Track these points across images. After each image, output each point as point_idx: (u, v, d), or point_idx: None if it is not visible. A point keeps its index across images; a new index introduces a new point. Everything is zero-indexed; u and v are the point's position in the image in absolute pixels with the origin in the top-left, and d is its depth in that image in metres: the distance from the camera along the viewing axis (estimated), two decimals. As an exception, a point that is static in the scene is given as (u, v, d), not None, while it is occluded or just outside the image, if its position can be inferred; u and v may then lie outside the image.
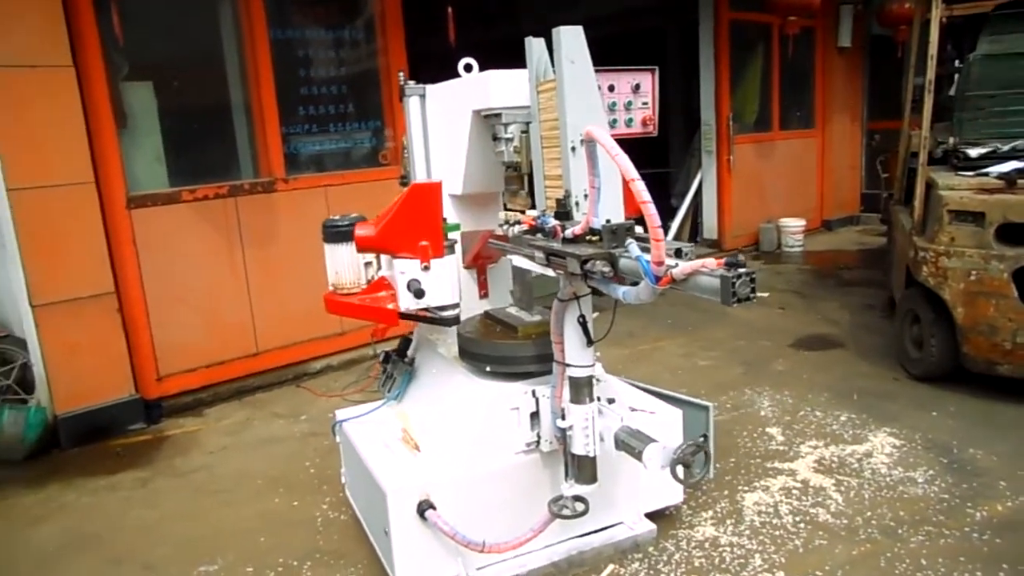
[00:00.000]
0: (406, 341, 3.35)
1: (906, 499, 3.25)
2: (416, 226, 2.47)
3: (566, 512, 2.50)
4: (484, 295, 3.20)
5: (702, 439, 3.18)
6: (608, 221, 2.05)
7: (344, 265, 2.98)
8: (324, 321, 5.32)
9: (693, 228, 9.29)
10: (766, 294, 6.95)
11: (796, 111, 9.75)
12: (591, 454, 2.42)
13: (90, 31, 4.39)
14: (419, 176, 3.11)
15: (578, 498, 2.51)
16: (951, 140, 5.13)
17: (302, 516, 3.45)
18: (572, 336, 2.34)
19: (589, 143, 1.99)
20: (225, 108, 5.25)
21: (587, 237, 2.14)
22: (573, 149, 2.25)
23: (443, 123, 2.99)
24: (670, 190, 10.12)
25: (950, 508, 3.15)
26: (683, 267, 1.79)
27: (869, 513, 3.15)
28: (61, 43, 4.23)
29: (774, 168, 9.33)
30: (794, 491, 3.37)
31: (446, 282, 2.53)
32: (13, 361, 4.72)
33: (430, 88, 3.06)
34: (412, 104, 3.08)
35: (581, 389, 2.40)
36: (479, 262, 3.10)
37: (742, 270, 1.70)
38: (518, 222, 2.45)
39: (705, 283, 1.77)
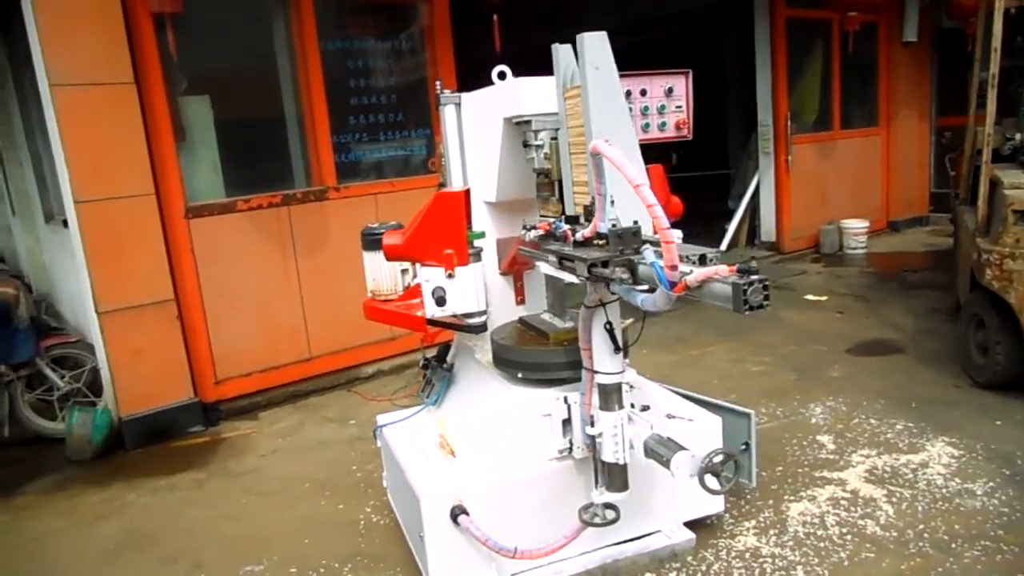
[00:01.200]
0: (446, 347, 3.39)
1: (963, 512, 3.11)
2: (440, 234, 2.50)
3: (596, 520, 2.49)
4: (521, 301, 3.21)
5: (743, 447, 3.14)
6: (614, 225, 2.03)
7: (381, 272, 3.04)
8: (375, 327, 5.33)
9: (751, 231, 9.11)
10: (824, 298, 6.76)
11: (858, 109, 9.45)
12: (621, 462, 2.40)
13: (150, 49, 4.59)
14: (455, 184, 3.15)
15: (609, 506, 2.50)
16: (1018, 136, 4.90)
17: (346, 519, 3.52)
18: (600, 343, 2.33)
19: (595, 156, 1.98)
20: (279, 119, 5.41)
21: (595, 241, 2.13)
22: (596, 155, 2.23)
23: (478, 131, 3.02)
24: (729, 193, 9.95)
25: (1010, 522, 3.00)
26: (696, 274, 1.76)
27: (921, 526, 3.03)
28: (123, 61, 4.43)
29: (835, 168, 9.07)
30: (842, 501, 3.26)
31: (470, 290, 2.55)
32: (84, 365, 4.98)
33: (465, 96, 3.09)
34: (448, 112, 3.12)
35: (610, 396, 2.38)
36: (515, 268, 3.11)
37: (754, 277, 1.66)
38: (535, 227, 2.45)
39: (718, 290, 1.74)
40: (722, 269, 1.73)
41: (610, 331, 2.25)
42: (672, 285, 1.77)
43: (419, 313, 2.69)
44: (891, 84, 9.59)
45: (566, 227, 2.28)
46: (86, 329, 4.96)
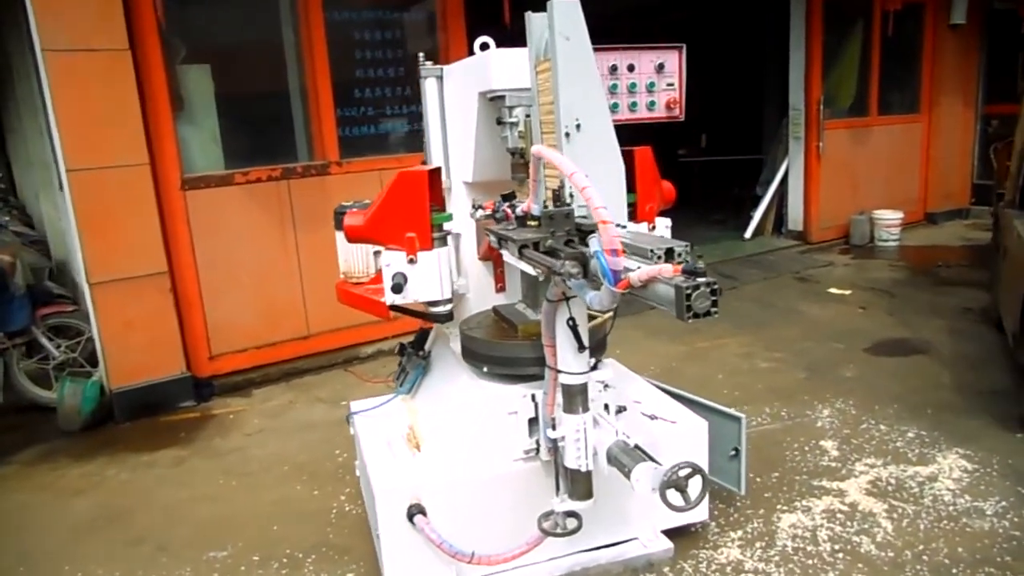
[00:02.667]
0: (424, 333, 3.23)
1: (968, 533, 2.88)
2: (402, 216, 2.33)
3: (557, 529, 2.31)
4: (501, 288, 3.03)
5: (733, 453, 2.94)
6: (546, 206, 1.84)
7: (353, 254, 2.89)
8: (375, 306, 5.30)
9: (778, 219, 8.77)
10: (848, 292, 6.46)
11: (899, 94, 9.00)
12: (583, 468, 2.22)
13: (148, 15, 4.47)
14: (434, 162, 2.97)
15: (571, 514, 2.32)
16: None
17: (318, 506, 3.40)
18: (563, 340, 2.14)
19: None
20: (282, 91, 5.27)
21: (528, 222, 1.94)
22: (567, 135, 2.04)
23: (456, 106, 2.83)
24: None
25: (1020, 547, 2.76)
26: (641, 272, 1.56)
27: (921, 546, 2.80)
28: (118, 27, 4.31)
29: (870, 156, 8.66)
30: (839, 515, 3.04)
31: (434, 276, 2.38)
32: (81, 335, 4.94)
33: (447, 69, 2.90)
34: (429, 86, 2.94)
35: (574, 398, 2.20)
36: (495, 254, 2.92)
37: (701, 280, 1.45)
38: (481, 206, 2.27)
39: (662, 292, 1.54)
40: (666, 268, 1.52)
41: (573, 328, 2.06)
42: (617, 279, 1.57)
43: (383, 299, 2.53)
44: (935, 68, 9.10)
45: (505, 206, 2.09)
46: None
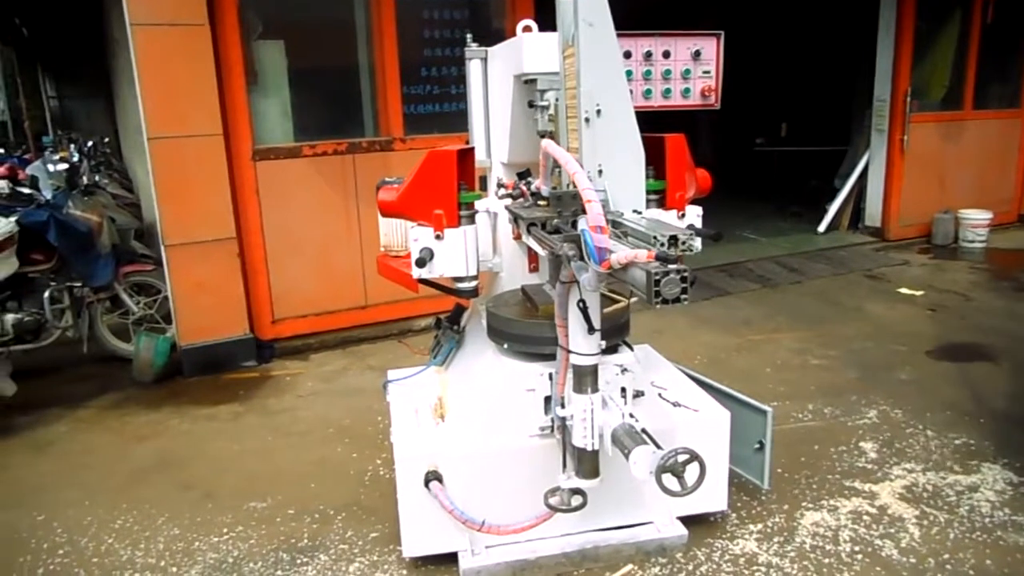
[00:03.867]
0: (460, 309, 3.32)
1: (1001, 546, 2.78)
2: (431, 193, 2.41)
3: (561, 506, 2.37)
4: (534, 268, 3.07)
5: (758, 446, 2.93)
6: (554, 188, 1.88)
7: (392, 228, 2.99)
8: (431, 280, 5.44)
9: (855, 214, 8.45)
10: (920, 292, 6.20)
11: (998, 87, 8.49)
12: (589, 447, 2.27)
13: (227, -9, 4.69)
14: (477, 142, 3.04)
15: (576, 491, 2.38)
16: None
17: (355, 468, 3.57)
18: (574, 321, 2.19)
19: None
20: (351, 67, 5.43)
21: (538, 201, 1.98)
22: (587, 120, 2.07)
23: (497, 87, 2.88)
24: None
25: (1054, 567, 2.66)
26: (620, 254, 1.58)
27: (947, 555, 2.73)
28: (199, 3, 4.55)
29: (960, 152, 8.22)
30: (865, 517, 2.99)
31: (459, 253, 2.46)
32: (160, 293, 5.28)
33: (492, 51, 2.95)
34: (474, 67, 3.00)
35: (583, 378, 2.24)
36: (529, 234, 2.98)
37: (672, 267, 1.47)
38: (504, 185, 2.32)
39: (637, 276, 1.56)
40: (641, 254, 1.55)
41: (583, 310, 2.10)
42: (600, 259, 1.61)
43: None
44: (1040, 61, 8.54)
45: (522, 184, 2.14)
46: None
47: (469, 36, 3.08)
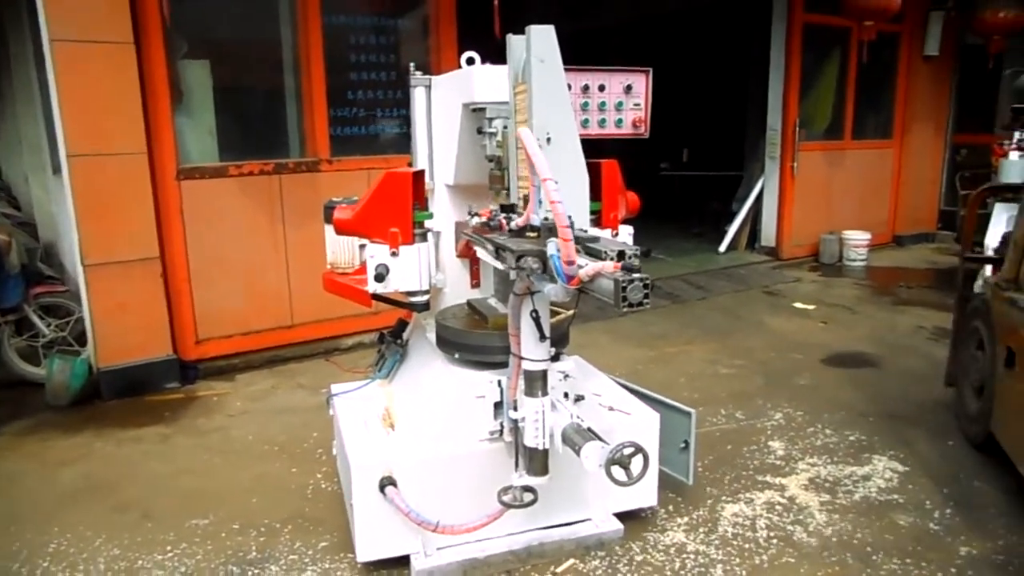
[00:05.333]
0: (402, 324, 3.46)
1: (891, 526, 3.15)
2: (387, 212, 2.56)
3: (515, 502, 2.55)
4: (476, 284, 3.26)
5: (683, 445, 3.20)
6: (546, 219, 2.08)
7: (340, 245, 3.11)
8: (358, 299, 5.52)
9: (752, 235, 9.08)
10: (812, 307, 6.76)
11: (873, 120, 9.36)
12: (540, 447, 2.46)
13: (152, 11, 4.66)
14: (419, 164, 3.20)
15: (528, 489, 2.56)
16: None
17: (296, 483, 3.62)
18: (527, 330, 2.39)
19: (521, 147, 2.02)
20: (277, 88, 5.48)
21: (527, 232, 2.18)
22: (539, 147, 2.28)
23: (442, 115, 3.07)
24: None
25: (935, 540, 3.04)
26: (587, 269, 1.81)
27: (847, 536, 3.07)
28: (123, 21, 4.51)
29: (843, 178, 9.00)
30: (777, 506, 3.31)
31: (413, 268, 2.61)
32: (71, 314, 5.12)
33: (435, 79, 3.14)
34: (418, 94, 3.17)
35: (534, 383, 2.44)
36: (471, 252, 3.16)
37: (636, 275, 1.70)
38: (477, 214, 2.50)
39: (604, 286, 1.78)
40: (608, 266, 1.77)
41: (536, 319, 2.30)
42: (569, 279, 1.82)
43: (366, 288, 2.76)
44: (908, 97, 9.48)
45: (502, 216, 2.33)
46: (77, 280, 5.08)
47: (412, 65, 3.25)
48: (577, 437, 2.32)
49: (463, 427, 2.77)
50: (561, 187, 2.19)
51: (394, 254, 2.58)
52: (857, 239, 8.59)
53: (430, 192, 3.26)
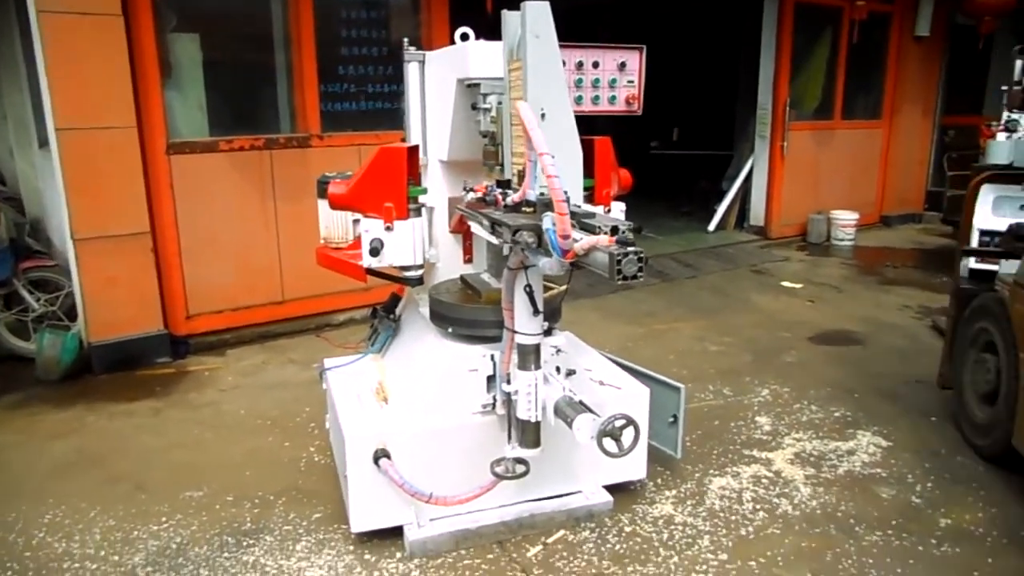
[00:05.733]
0: (395, 299, 3.48)
1: (874, 498, 3.22)
2: (382, 187, 2.57)
3: (507, 473, 2.60)
4: (468, 260, 3.29)
5: (672, 420, 3.25)
6: (542, 193, 2.10)
7: (334, 220, 3.11)
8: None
9: (741, 214, 9.13)
10: (799, 286, 6.82)
11: (862, 100, 9.38)
12: (533, 419, 2.50)
13: (141, -19, 4.61)
14: (413, 140, 3.21)
15: (520, 460, 2.60)
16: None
17: (289, 456, 3.65)
18: (520, 304, 2.41)
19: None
20: (268, 63, 5.44)
21: (522, 208, 2.20)
22: (532, 122, 2.29)
23: (437, 90, 3.07)
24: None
25: (916, 513, 3.11)
26: (582, 243, 1.83)
27: (831, 509, 3.14)
28: (112, -9, 4.47)
29: (832, 158, 9.04)
30: (763, 480, 3.37)
31: (407, 243, 2.63)
32: (61, 289, 5.10)
33: (429, 55, 3.13)
34: (412, 70, 3.17)
35: (527, 356, 2.48)
36: (464, 227, 3.19)
37: (630, 248, 1.73)
38: (472, 189, 2.52)
39: (599, 259, 1.81)
40: (603, 239, 1.80)
41: (530, 294, 2.33)
42: (564, 252, 1.84)
43: (360, 262, 2.77)
44: (899, 78, 9.50)
45: (497, 192, 2.35)
46: (67, 254, 5.06)
47: (406, 40, 3.24)
48: (569, 410, 2.36)
49: (456, 400, 2.81)
50: (556, 163, 2.22)
51: (388, 228, 2.59)
52: (845, 219, 8.65)
53: (424, 168, 3.26)
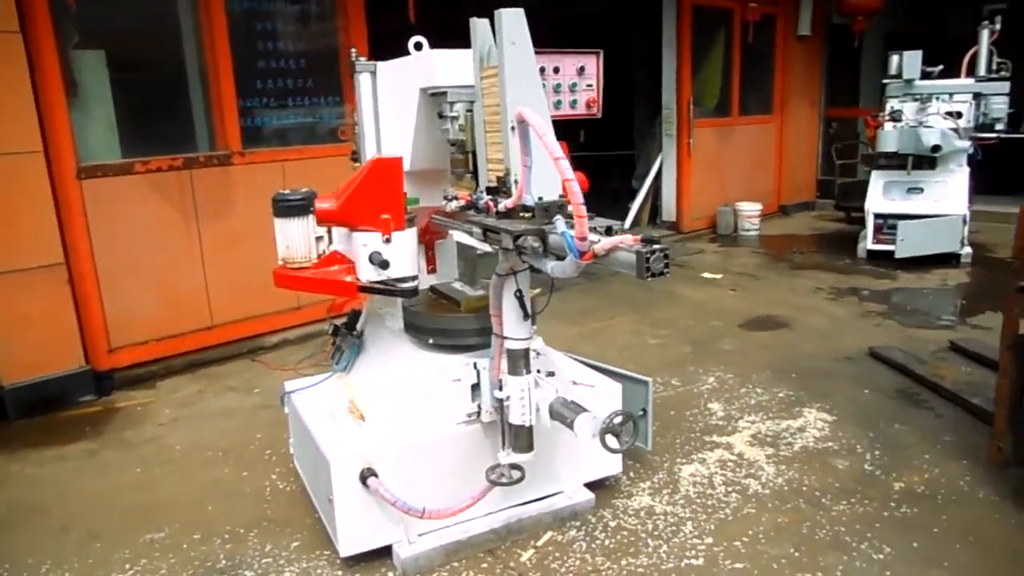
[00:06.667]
0: (355, 314, 3.40)
1: (832, 470, 3.42)
2: (378, 199, 2.51)
3: (503, 479, 2.59)
4: (432, 270, 3.26)
5: (641, 413, 3.32)
6: (540, 198, 2.12)
7: (296, 239, 2.97)
8: (280, 295, 5.24)
9: (653, 210, 9.43)
10: (719, 276, 7.13)
11: (756, 97, 9.90)
12: (527, 424, 2.51)
13: (39, -4, 4.31)
14: (369, 152, 3.15)
15: (514, 466, 2.61)
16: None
17: (251, 487, 3.50)
18: (510, 310, 2.42)
19: (520, 124, 2.06)
20: (181, 79, 5.20)
21: (520, 213, 2.21)
22: (513, 129, 2.31)
23: (392, 100, 3.03)
24: (633, 172, 10.24)
25: (872, 479, 3.32)
26: (604, 243, 1.87)
27: (796, 484, 3.30)
28: (8, 7, 4.15)
29: (733, 153, 9.50)
30: (729, 463, 3.51)
31: (407, 254, 2.59)
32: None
33: (381, 65, 3.09)
34: (363, 80, 3.11)
35: (518, 361, 2.49)
36: (427, 238, 3.16)
37: (656, 247, 1.79)
38: (456, 197, 2.50)
39: (623, 258, 1.86)
40: (627, 239, 1.85)
41: (519, 299, 2.34)
42: (581, 254, 1.87)
43: (348, 279, 2.68)
44: (786, 75, 10.09)
45: (488, 198, 2.34)
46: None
47: (353, 51, 3.19)
48: (566, 411, 2.38)
49: (439, 411, 2.78)
50: (536, 167, 2.24)
51: (387, 241, 2.54)
52: (750, 210, 9.10)
53: (379, 179, 3.21)
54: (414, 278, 2.64)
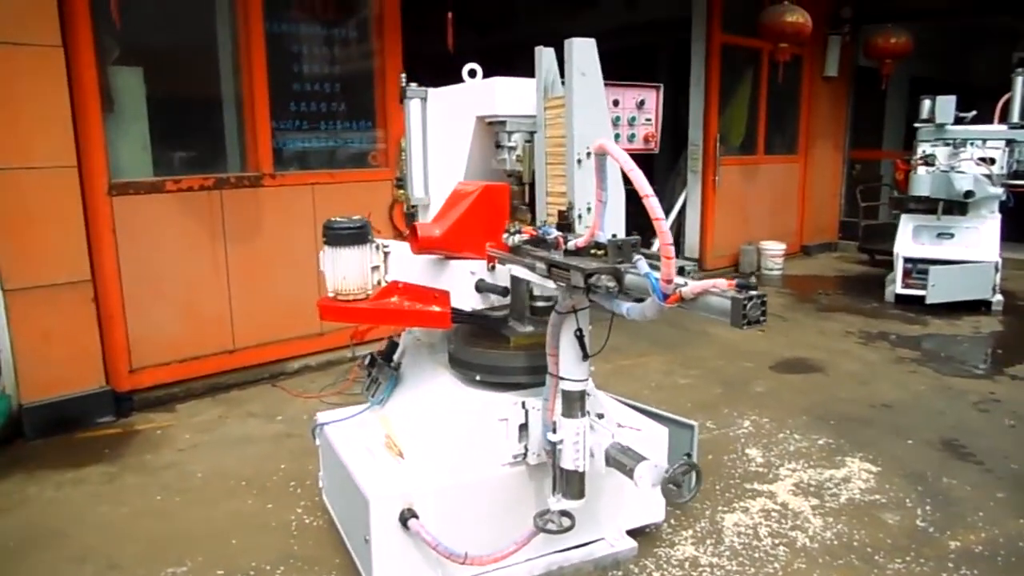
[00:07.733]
0: (392, 345, 3.30)
1: (883, 525, 3.27)
2: (484, 227, 2.43)
3: (552, 527, 2.47)
4: (475, 303, 3.15)
5: (686, 457, 3.19)
6: (614, 235, 2.03)
7: (352, 270, 2.85)
8: (304, 321, 5.26)
9: (676, 247, 9.33)
10: (745, 315, 7.00)
11: (780, 136, 9.87)
12: (581, 469, 2.40)
13: (82, 11, 4.28)
14: (415, 178, 3.08)
15: (565, 513, 2.49)
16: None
17: (276, 520, 3.37)
18: (568, 349, 2.32)
19: (599, 156, 1.97)
20: (216, 99, 5.17)
21: (591, 251, 2.12)
22: (579, 162, 2.23)
23: (443, 127, 2.96)
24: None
25: (926, 536, 3.18)
26: (692, 286, 1.78)
27: (847, 539, 3.16)
28: (51, 21, 4.14)
29: (757, 191, 9.43)
30: (773, 513, 3.37)
31: (506, 283, 2.53)
32: (-20, 346, 4.60)
33: (432, 91, 3.03)
34: (413, 107, 3.05)
35: (573, 403, 2.38)
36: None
37: (753, 293, 1.69)
38: (519, 231, 2.41)
39: (715, 304, 1.76)
40: (720, 283, 1.75)
41: (580, 338, 2.24)
42: (665, 297, 1.78)
43: (435, 308, 2.58)
44: (812, 115, 10.06)
45: (557, 233, 2.25)
46: None
47: (403, 76, 3.13)
48: (625, 458, 2.27)
49: (483, 451, 2.66)
50: (609, 202, 2.16)
51: (491, 269, 2.46)
52: (774, 249, 9.00)
53: (424, 208, 3.14)
54: (506, 305, 2.55)
